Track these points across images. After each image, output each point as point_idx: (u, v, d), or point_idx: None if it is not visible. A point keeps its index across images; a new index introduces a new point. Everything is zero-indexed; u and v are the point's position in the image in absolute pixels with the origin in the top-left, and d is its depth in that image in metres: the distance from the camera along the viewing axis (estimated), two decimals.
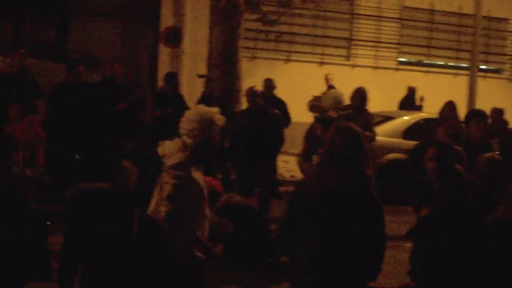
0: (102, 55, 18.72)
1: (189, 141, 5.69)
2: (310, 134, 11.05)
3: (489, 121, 11.72)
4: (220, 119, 5.84)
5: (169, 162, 5.66)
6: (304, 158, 11.14)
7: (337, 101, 10.63)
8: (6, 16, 19.02)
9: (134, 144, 13.29)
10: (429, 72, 22.65)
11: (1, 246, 5.29)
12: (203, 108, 5.93)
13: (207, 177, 6.83)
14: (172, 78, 14.01)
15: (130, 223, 5.03)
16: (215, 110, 5.90)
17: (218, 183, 8.27)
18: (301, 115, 14.64)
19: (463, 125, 10.85)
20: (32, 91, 12.10)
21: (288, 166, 16.70)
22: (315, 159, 10.01)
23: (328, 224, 4.98)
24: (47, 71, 13.95)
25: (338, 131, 5.18)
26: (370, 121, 11.88)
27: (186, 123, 5.74)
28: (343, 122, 6.45)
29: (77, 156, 9.31)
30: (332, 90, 11.47)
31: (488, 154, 8.05)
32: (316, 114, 12.18)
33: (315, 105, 12.63)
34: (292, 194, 5.34)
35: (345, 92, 11.89)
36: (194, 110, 5.92)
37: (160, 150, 5.73)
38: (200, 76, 16.92)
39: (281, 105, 13.90)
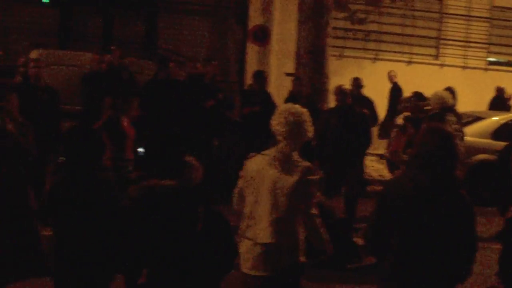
0: (190, 52, 18.96)
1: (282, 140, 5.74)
2: (399, 134, 10.98)
3: None
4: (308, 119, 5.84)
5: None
6: (393, 157, 11.08)
7: (444, 101, 10.42)
8: (96, 14, 19.41)
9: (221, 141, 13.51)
10: None
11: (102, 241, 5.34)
12: (292, 107, 5.88)
13: None
14: (260, 76, 14.07)
15: (196, 220, 5.03)
16: (303, 110, 5.88)
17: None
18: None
19: None
20: (129, 88, 12.36)
21: (376, 165, 16.61)
22: (405, 158, 9.98)
23: (418, 225, 4.94)
24: (136, 67, 14.18)
25: (430, 132, 5.14)
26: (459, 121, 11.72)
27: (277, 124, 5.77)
28: (435, 123, 6.40)
29: (140, 149, 9.38)
30: (440, 91, 11.31)
31: None
32: (406, 113, 12.07)
33: (405, 106, 12.51)
34: (382, 194, 5.30)
35: (433, 91, 11.77)
36: (284, 110, 5.86)
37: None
38: (288, 74, 16.97)
39: (369, 104, 13.83)
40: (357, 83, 14.60)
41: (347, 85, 12.86)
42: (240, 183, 5.89)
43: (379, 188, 14.45)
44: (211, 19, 20.08)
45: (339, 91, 11.41)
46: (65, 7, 19.17)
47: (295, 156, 5.80)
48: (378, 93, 15.88)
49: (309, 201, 5.77)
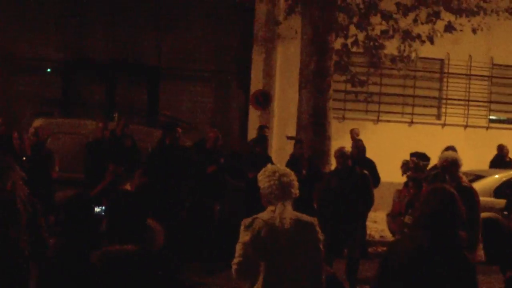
0: (193, 118, 19.08)
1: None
2: (400, 194, 10.98)
3: None
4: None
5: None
6: (393, 218, 11.07)
7: (454, 163, 10.41)
8: (98, 81, 19.59)
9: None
10: None
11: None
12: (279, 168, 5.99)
13: None
14: (262, 140, 14.17)
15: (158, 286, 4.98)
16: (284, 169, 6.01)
17: None
18: (390, 175, 14.54)
19: None
20: (132, 156, 12.43)
21: (377, 226, 16.58)
22: (408, 219, 9.96)
23: (420, 285, 4.94)
24: (139, 135, 14.25)
25: (433, 192, 5.16)
26: None
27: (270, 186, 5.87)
28: (438, 183, 6.42)
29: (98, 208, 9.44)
30: (448, 152, 11.30)
31: None
32: (408, 173, 12.10)
33: (407, 167, 12.56)
34: (385, 254, 5.31)
35: (435, 151, 11.82)
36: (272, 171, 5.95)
37: None
38: (289, 137, 17.03)
39: (370, 165, 13.84)
40: (358, 145, 14.63)
41: (349, 147, 12.93)
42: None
43: (381, 249, 14.43)
44: (213, 85, 20.25)
45: (340, 153, 11.46)
46: (67, 75, 19.35)
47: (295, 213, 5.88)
48: (380, 154, 15.90)
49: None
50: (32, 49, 19.20)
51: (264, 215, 5.79)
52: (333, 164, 14.01)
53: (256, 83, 19.48)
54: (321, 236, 5.85)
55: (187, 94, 19.95)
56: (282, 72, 19.40)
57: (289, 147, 15.83)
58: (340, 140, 16.11)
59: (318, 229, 5.84)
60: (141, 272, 4.94)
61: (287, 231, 5.71)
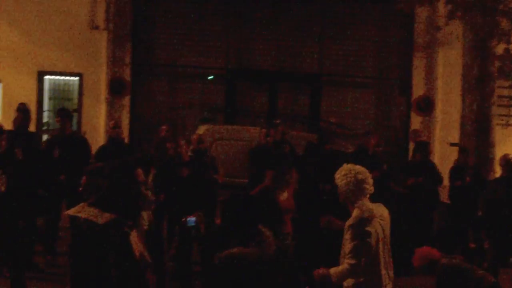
0: (354, 124, 19.08)
1: None
2: None
3: None
4: None
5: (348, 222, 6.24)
6: None
7: None
8: (260, 89, 19.89)
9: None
10: None
11: None
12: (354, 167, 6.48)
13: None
14: (423, 147, 14.02)
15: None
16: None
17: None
18: None
19: None
20: (289, 161, 12.57)
21: None
22: None
23: None
24: (298, 141, 14.37)
25: None
26: None
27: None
28: None
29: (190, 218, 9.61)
30: None
31: None
32: None
33: None
34: None
35: None
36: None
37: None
38: (452, 144, 16.77)
39: None
40: None
41: None
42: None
43: None
44: (374, 91, 20.18)
45: (505, 161, 11.23)
46: (230, 82, 19.75)
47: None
48: None
49: None
50: (195, 57, 19.72)
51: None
52: (497, 172, 13.72)
53: (417, 89, 19.29)
54: None
55: (348, 101, 19.96)
56: (443, 78, 19.10)
57: (452, 154, 15.60)
58: (504, 147, 15.75)
59: None
60: (263, 273, 5.04)
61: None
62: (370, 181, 6.37)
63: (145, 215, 8.87)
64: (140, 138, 18.67)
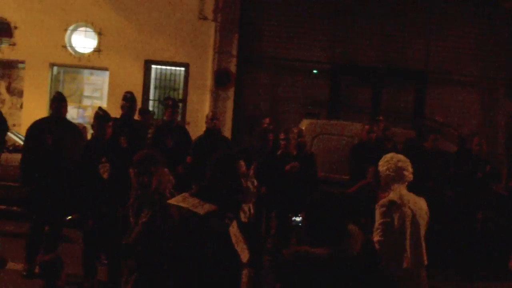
0: (458, 123, 18.82)
1: None
2: None
3: None
4: None
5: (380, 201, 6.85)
6: None
7: None
8: (364, 84, 19.80)
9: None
10: None
11: None
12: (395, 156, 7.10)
13: None
14: None
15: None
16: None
17: None
18: None
19: None
20: None
21: None
22: None
23: None
24: (400, 138, 14.25)
25: None
26: None
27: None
28: None
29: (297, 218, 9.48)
30: None
31: None
32: None
33: None
34: None
35: None
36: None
37: None
38: None
39: None
40: None
41: None
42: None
43: None
44: (480, 90, 19.84)
45: None
46: (334, 77, 19.73)
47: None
48: None
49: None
50: (300, 51, 19.76)
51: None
52: None
53: None
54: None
55: (454, 99, 19.69)
56: None
57: None
58: None
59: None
60: (330, 274, 4.88)
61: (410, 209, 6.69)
62: (410, 169, 6.91)
63: (245, 207, 8.95)
64: (243, 130, 18.82)
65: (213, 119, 13.03)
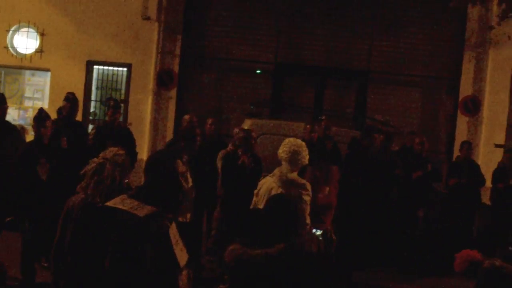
0: (400, 123, 18.99)
1: None
2: None
3: None
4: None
5: None
6: None
7: None
8: (309, 83, 19.88)
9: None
10: None
11: None
12: (294, 140, 8.37)
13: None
14: (465, 147, 14.02)
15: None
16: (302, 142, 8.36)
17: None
18: None
19: None
20: (331, 158, 12.59)
21: None
22: None
23: None
24: (342, 137, 14.34)
25: None
26: None
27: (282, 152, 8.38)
28: None
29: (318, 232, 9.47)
30: None
31: None
32: None
33: None
34: None
35: None
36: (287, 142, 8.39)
37: None
38: (497, 145, 16.64)
39: None
40: None
41: None
42: (254, 199, 8.29)
43: None
44: (422, 89, 20.01)
45: None
46: (277, 77, 19.76)
47: (294, 176, 8.12)
48: None
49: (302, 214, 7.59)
50: (244, 51, 19.78)
51: (274, 172, 8.32)
52: None
53: (465, 89, 19.09)
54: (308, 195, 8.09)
55: (396, 98, 19.84)
56: (492, 78, 18.89)
57: (497, 155, 15.49)
58: None
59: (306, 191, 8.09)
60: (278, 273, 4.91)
61: (276, 189, 7.96)
62: (305, 155, 8.21)
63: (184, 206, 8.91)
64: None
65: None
